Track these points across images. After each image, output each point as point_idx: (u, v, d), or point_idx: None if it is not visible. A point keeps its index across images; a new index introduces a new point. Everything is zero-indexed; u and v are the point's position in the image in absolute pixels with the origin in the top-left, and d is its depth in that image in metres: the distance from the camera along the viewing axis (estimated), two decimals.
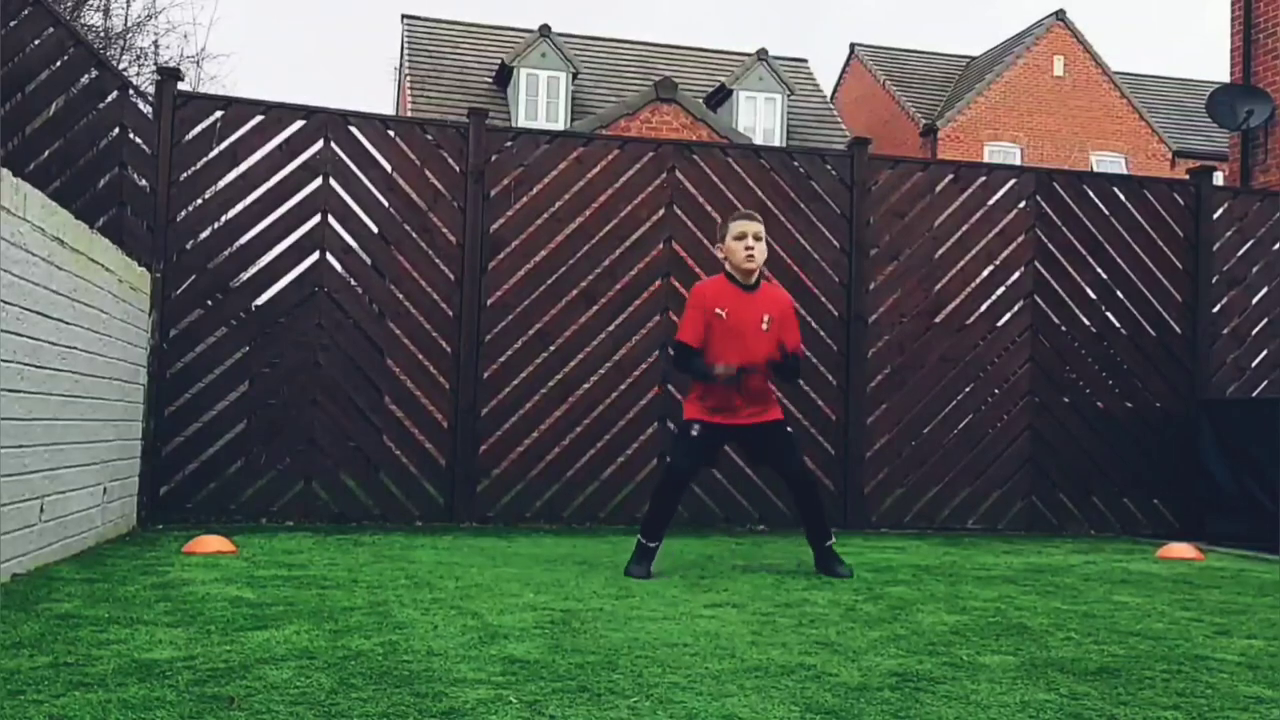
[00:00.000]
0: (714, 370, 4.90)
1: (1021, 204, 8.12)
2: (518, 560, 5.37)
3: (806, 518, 5.21)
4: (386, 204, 7.30)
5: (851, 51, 31.85)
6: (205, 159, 6.93)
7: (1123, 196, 8.30)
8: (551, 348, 7.41)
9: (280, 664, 2.95)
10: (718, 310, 5.01)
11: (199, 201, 6.95)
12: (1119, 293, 8.18)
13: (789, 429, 5.25)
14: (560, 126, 21.65)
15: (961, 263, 8.01)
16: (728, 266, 5.11)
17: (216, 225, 7.17)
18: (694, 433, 5.04)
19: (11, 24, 5.45)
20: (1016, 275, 8.07)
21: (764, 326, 5.02)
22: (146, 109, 7.04)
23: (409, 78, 23.37)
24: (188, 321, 6.88)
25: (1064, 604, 4.45)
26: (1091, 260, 8.16)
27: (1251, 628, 4.00)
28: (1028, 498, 7.96)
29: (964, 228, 8.04)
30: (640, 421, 7.46)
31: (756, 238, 5.03)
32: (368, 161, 7.19)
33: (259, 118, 7.05)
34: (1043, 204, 8.14)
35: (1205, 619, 4.17)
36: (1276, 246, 8.52)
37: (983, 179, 8.14)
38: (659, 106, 20.66)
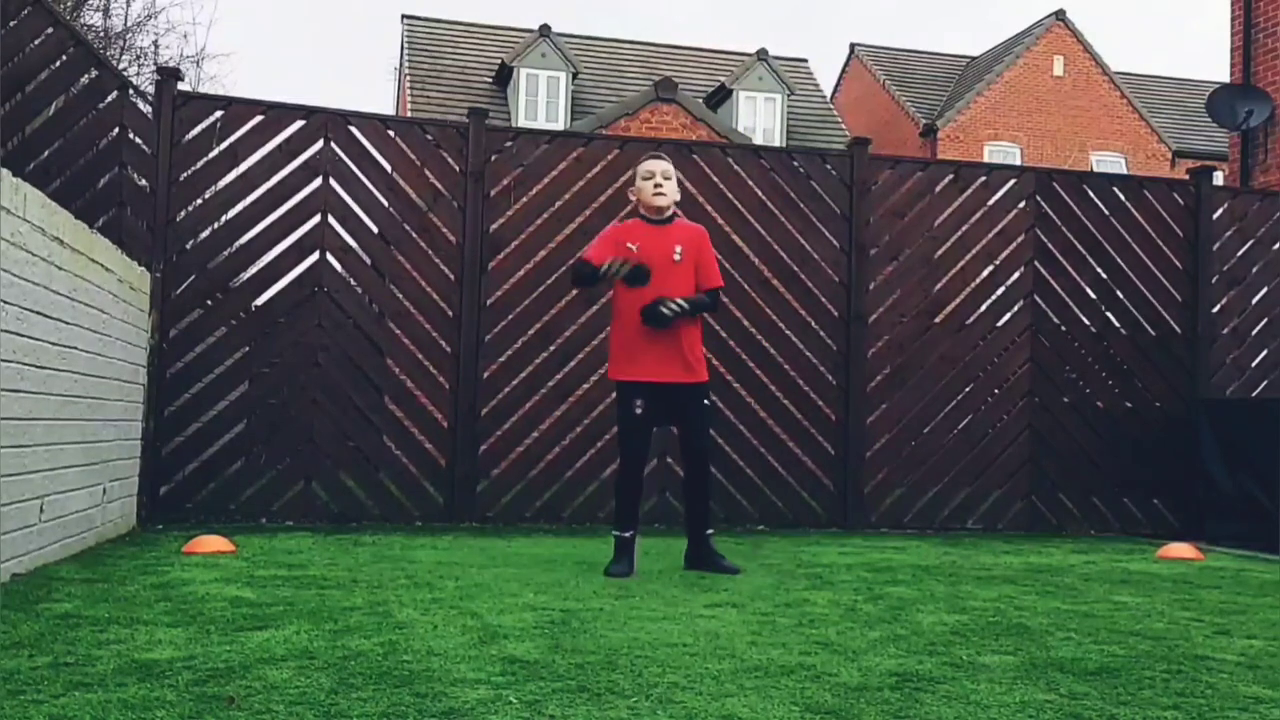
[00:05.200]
0: (607, 266, 4.78)
1: (1021, 204, 8.12)
2: (518, 560, 5.37)
3: (692, 499, 5.15)
4: (386, 204, 7.30)
5: (851, 51, 31.85)
6: (205, 159, 6.92)
7: (1122, 196, 8.30)
8: (551, 348, 7.41)
9: (280, 664, 2.95)
10: (628, 244, 5.02)
11: (199, 201, 6.95)
12: (1119, 292, 8.18)
13: (707, 400, 5.13)
14: (560, 126, 21.65)
15: (961, 263, 8.00)
16: (640, 209, 5.18)
17: (216, 225, 7.17)
18: (637, 410, 4.99)
19: (11, 24, 5.45)
20: (1016, 275, 8.07)
21: (676, 258, 5.02)
22: (146, 109, 7.04)
23: (409, 78, 23.38)
24: (188, 321, 6.88)
25: (1064, 604, 4.45)
26: (1091, 260, 8.15)
27: (1251, 628, 4.00)
28: (1027, 498, 7.96)
29: (964, 228, 8.04)
30: None
31: (665, 176, 5.09)
32: (368, 161, 7.19)
33: (259, 118, 7.05)
34: (1042, 204, 8.14)
35: (1205, 619, 4.17)
36: (1276, 246, 8.52)
37: (982, 179, 8.14)
38: (659, 106, 20.66)
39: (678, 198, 5.20)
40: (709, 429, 5.23)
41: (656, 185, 5.07)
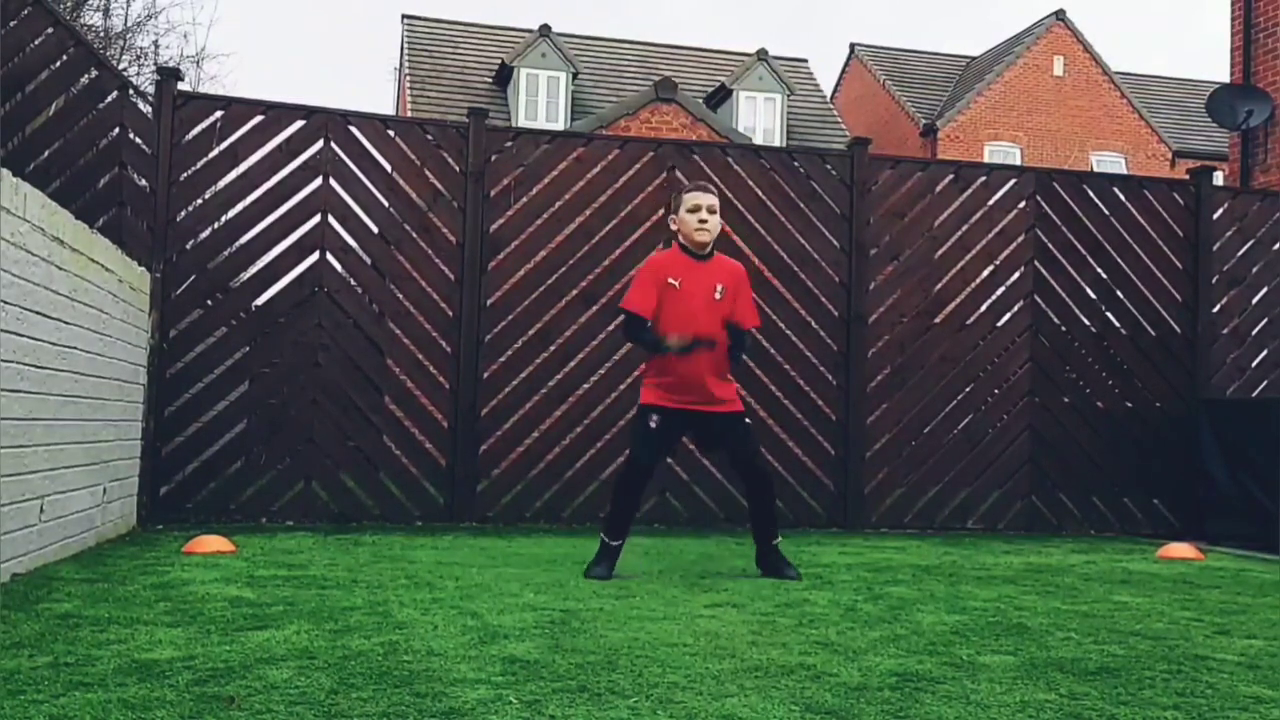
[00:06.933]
0: (666, 340, 4.76)
1: (1021, 204, 8.12)
2: (518, 560, 5.37)
3: (756, 512, 5.06)
4: (386, 204, 7.30)
5: (851, 51, 31.85)
6: (205, 159, 6.92)
7: (1122, 196, 8.30)
8: (551, 348, 7.41)
9: (280, 664, 2.95)
10: (670, 280, 4.91)
11: (199, 201, 6.95)
12: (1119, 292, 8.18)
13: (748, 420, 5.08)
14: (560, 126, 21.65)
15: (961, 263, 8.00)
16: (680, 239, 5.04)
17: (216, 225, 7.17)
18: (652, 424, 4.88)
19: (11, 24, 5.45)
20: (1016, 275, 8.07)
21: (717, 296, 4.91)
22: (146, 109, 7.04)
23: (409, 78, 23.38)
24: (188, 321, 6.88)
25: (1064, 604, 4.45)
26: (1091, 260, 8.15)
27: (1251, 628, 4.00)
28: (1027, 497, 7.96)
29: (964, 228, 8.04)
30: None
31: (710, 210, 4.93)
32: (368, 161, 7.19)
33: (259, 118, 7.05)
34: (1043, 204, 8.14)
35: (1205, 619, 4.17)
36: (1276, 246, 8.52)
37: (983, 179, 8.14)
38: (659, 106, 20.65)
39: (718, 231, 5.04)
40: (759, 448, 5.17)
41: (701, 220, 4.91)
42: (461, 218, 7.30)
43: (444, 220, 7.30)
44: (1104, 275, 8.16)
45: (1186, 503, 8.12)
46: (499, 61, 23.40)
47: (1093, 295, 8.15)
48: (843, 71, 32.26)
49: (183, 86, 7.22)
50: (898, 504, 7.81)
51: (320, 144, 7.09)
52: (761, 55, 23.43)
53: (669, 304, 4.89)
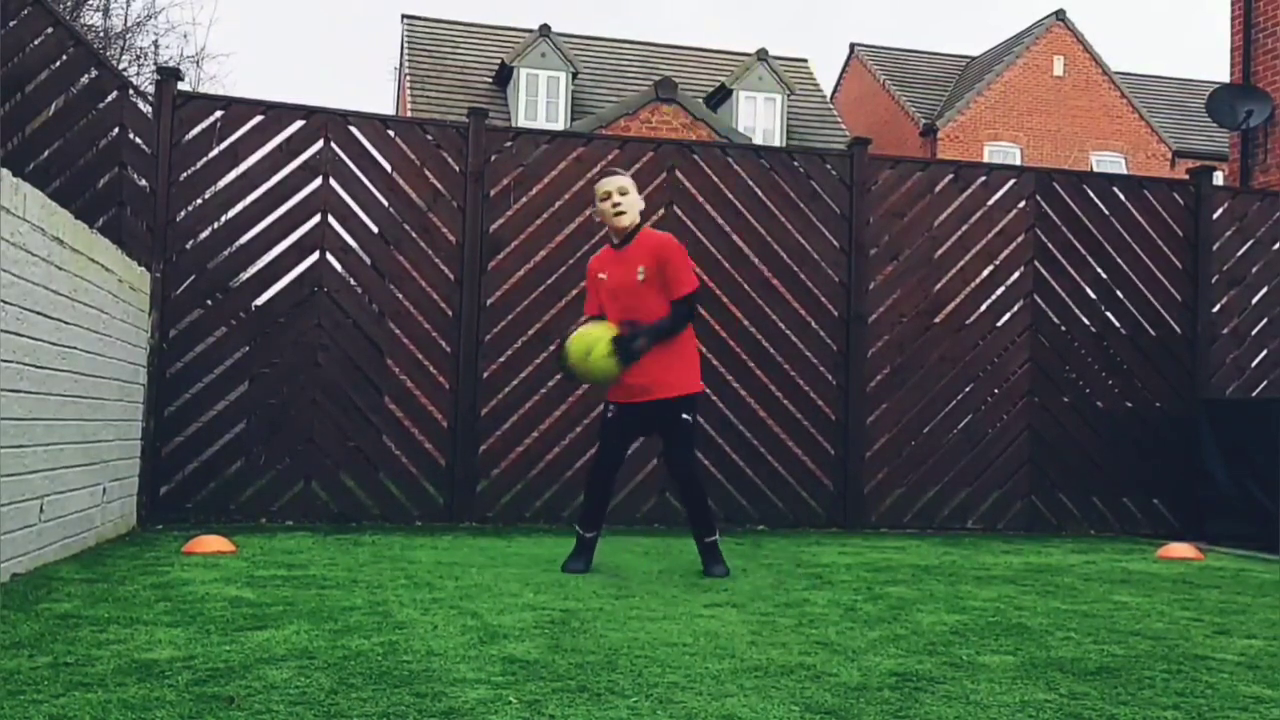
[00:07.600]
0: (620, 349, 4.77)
1: (1021, 204, 8.12)
2: (518, 560, 5.37)
3: (687, 512, 5.10)
4: (386, 204, 7.30)
5: (851, 51, 31.85)
6: (205, 159, 6.92)
7: (1122, 196, 8.30)
8: (551, 347, 7.40)
9: (280, 664, 2.95)
10: (600, 275, 5.02)
11: (199, 201, 6.95)
12: (1119, 292, 8.18)
13: (685, 416, 4.90)
14: (560, 126, 21.65)
15: (961, 262, 8.00)
16: (609, 230, 5.09)
17: (216, 225, 7.17)
18: (609, 414, 5.04)
19: (11, 24, 5.45)
20: (1016, 275, 8.07)
21: (639, 278, 4.85)
22: (146, 109, 7.04)
23: (409, 78, 23.38)
24: (188, 321, 6.88)
25: (1064, 604, 4.45)
26: (1091, 260, 8.15)
27: (1251, 628, 4.00)
28: (1027, 498, 7.96)
29: (964, 228, 8.04)
30: None
31: (622, 192, 4.91)
32: (368, 161, 7.19)
33: (259, 118, 7.05)
34: (1042, 204, 8.14)
35: (1205, 619, 4.17)
36: (1276, 246, 8.52)
37: (982, 179, 8.14)
38: (659, 106, 20.64)
39: (642, 207, 5.06)
40: (690, 449, 5.01)
41: (615, 205, 4.91)
42: (461, 218, 7.30)
43: (444, 220, 7.30)
44: (1104, 275, 8.16)
45: (1186, 503, 8.12)
46: (499, 61, 23.40)
47: (1093, 295, 8.15)
48: (843, 71, 32.25)
49: (183, 86, 7.23)
50: (897, 504, 7.81)
51: (320, 144, 7.09)
52: (761, 55, 23.43)
53: (605, 300, 4.99)
